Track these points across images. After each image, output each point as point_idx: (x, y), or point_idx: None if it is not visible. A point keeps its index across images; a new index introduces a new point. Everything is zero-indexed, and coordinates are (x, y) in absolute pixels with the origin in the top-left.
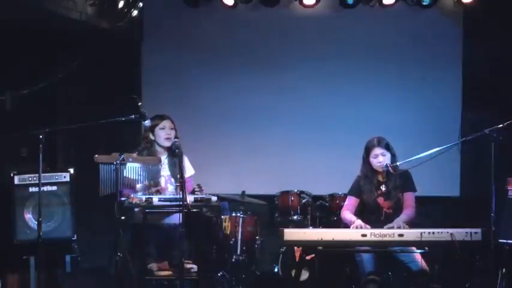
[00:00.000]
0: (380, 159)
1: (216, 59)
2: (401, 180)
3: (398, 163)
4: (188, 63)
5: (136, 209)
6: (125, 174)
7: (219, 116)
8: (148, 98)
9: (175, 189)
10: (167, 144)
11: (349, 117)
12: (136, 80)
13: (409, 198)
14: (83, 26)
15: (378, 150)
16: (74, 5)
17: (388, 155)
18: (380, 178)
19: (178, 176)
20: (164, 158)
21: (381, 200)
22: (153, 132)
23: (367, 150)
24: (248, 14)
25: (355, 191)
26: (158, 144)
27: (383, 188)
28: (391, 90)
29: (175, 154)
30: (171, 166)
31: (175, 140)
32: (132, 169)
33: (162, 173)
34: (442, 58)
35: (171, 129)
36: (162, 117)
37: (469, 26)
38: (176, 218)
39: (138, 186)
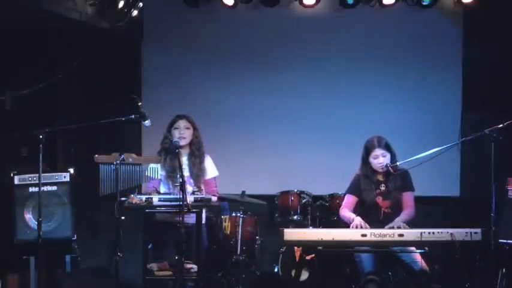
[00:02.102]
0: (380, 160)
1: (216, 59)
2: (400, 180)
3: (398, 163)
4: (188, 63)
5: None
6: (147, 174)
7: (219, 116)
8: (148, 98)
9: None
10: (181, 143)
11: (349, 117)
12: (136, 80)
13: (408, 198)
14: (83, 26)
15: (378, 151)
16: (74, 5)
17: (388, 156)
18: (379, 177)
19: (178, 175)
20: (185, 159)
21: (379, 199)
22: (170, 132)
23: (367, 151)
24: (248, 14)
25: (354, 189)
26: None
27: (382, 187)
28: (391, 90)
29: (194, 154)
30: (191, 166)
31: (176, 140)
32: (154, 170)
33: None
34: (442, 58)
35: (186, 128)
36: (178, 117)
37: (469, 26)
38: (194, 218)
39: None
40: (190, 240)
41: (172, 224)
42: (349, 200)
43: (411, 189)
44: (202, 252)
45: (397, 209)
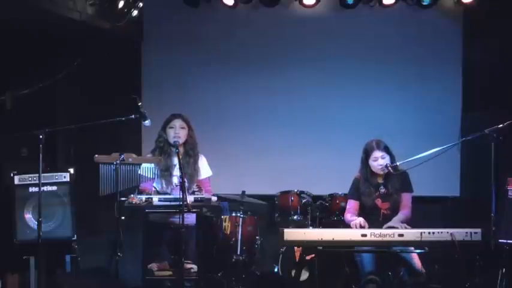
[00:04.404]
0: (380, 161)
1: (216, 59)
2: (399, 181)
3: (398, 163)
4: (188, 63)
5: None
6: (140, 173)
7: (219, 116)
8: (149, 98)
9: (188, 189)
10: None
11: (349, 117)
12: (136, 80)
13: (406, 198)
14: (83, 26)
15: (377, 153)
16: (74, 5)
17: (388, 157)
18: (379, 180)
19: (180, 174)
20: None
21: (378, 201)
22: (165, 131)
23: (367, 153)
24: (248, 14)
25: (354, 193)
26: (169, 143)
27: (381, 189)
28: (391, 90)
29: (188, 154)
30: (185, 166)
31: (175, 139)
32: (147, 169)
33: (175, 173)
34: (442, 58)
35: (181, 128)
36: (173, 116)
37: (469, 26)
38: (190, 219)
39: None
40: (183, 240)
41: (166, 224)
42: (352, 205)
43: (409, 190)
44: (191, 251)
45: (396, 211)
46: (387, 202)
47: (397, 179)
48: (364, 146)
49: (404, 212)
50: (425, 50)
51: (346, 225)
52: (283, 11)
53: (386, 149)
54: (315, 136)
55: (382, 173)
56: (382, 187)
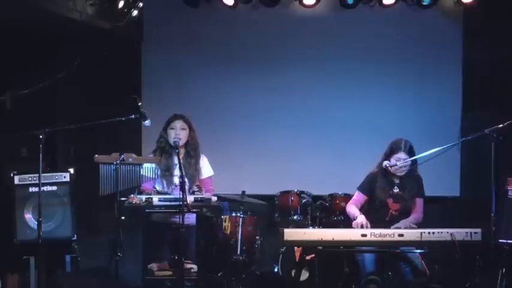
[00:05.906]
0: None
1: (216, 59)
2: (416, 186)
3: (398, 163)
4: (188, 63)
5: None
6: (142, 173)
7: (219, 116)
8: (149, 98)
9: (189, 189)
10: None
11: (349, 117)
12: (136, 80)
13: (419, 203)
14: (83, 26)
15: (402, 155)
16: (74, 5)
17: (409, 162)
18: (395, 179)
19: (177, 175)
20: (181, 160)
21: (390, 200)
22: (166, 131)
23: (392, 151)
24: (248, 14)
25: (365, 188)
26: (170, 144)
27: (395, 189)
28: (390, 90)
29: (190, 155)
30: (186, 167)
31: (175, 140)
32: (149, 169)
33: (176, 173)
34: (442, 58)
35: (182, 129)
36: (174, 117)
37: (469, 26)
38: (190, 219)
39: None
40: (183, 240)
41: (167, 224)
42: (358, 198)
43: (422, 195)
44: (191, 251)
45: (404, 213)
46: (398, 203)
47: (415, 184)
48: (392, 142)
49: (415, 215)
50: (425, 50)
51: (346, 225)
52: (283, 11)
53: (411, 152)
54: (315, 136)
55: (399, 175)
56: (396, 187)
